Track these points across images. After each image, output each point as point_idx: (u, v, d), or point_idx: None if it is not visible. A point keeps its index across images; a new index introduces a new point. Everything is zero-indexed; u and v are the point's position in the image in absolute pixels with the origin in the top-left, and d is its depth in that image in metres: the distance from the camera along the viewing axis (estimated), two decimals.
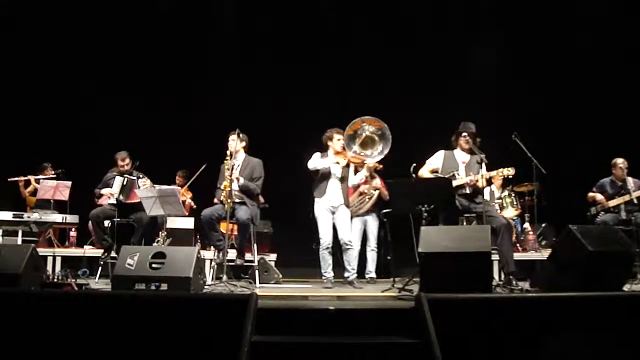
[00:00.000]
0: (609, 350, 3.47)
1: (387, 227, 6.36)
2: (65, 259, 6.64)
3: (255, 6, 8.53)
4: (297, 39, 8.43)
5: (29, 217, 6.79)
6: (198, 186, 7.16)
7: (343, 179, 5.69)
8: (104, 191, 6.38)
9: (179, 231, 6.95)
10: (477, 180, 5.21)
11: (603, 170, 6.74)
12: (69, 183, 7.36)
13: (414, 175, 5.27)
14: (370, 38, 8.48)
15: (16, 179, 7.68)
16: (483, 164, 5.18)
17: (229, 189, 5.39)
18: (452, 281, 3.90)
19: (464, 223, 5.44)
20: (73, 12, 8.25)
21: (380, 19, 8.46)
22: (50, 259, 6.49)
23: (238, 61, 8.58)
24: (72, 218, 7.12)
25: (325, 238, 5.60)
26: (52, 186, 7.31)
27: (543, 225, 7.74)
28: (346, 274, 5.67)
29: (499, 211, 6.87)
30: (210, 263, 5.95)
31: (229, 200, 5.38)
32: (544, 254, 6.20)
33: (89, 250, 6.79)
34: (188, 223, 7.05)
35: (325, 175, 5.67)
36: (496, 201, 7.13)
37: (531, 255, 6.86)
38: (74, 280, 4.88)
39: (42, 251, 5.79)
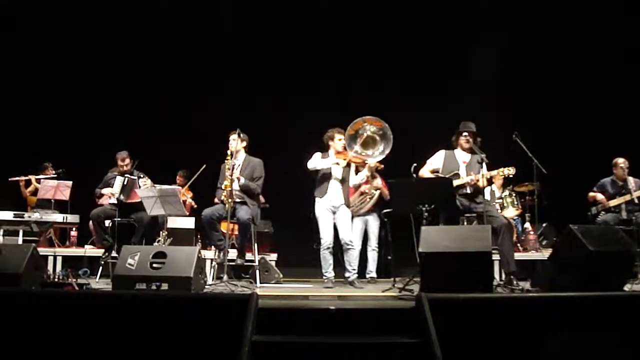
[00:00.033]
0: (609, 350, 3.46)
1: (387, 227, 6.36)
2: (66, 259, 6.65)
3: (256, 6, 8.52)
4: (297, 39, 8.43)
5: (29, 216, 6.79)
6: (199, 186, 7.16)
7: (344, 179, 5.69)
8: (104, 191, 6.39)
9: (180, 231, 6.96)
10: (477, 180, 5.21)
11: (604, 170, 6.74)
12: (70, 183, 7.37)
13: (414, 175, 5.27)
14: (371, 38, 8.48)
15: (17, 178, 7.69)
16: (484, 164, 5.18)
17: (230, 188, 5.40)
18: (452, 281, 3.90)
19: (465, 223, 5.43)
20: (73, 12, 8.25)
21: (381, 19, 8.45)
22: (51, 259, 6.50)
23: (238, 61, 8.58)
24: (72, 218, 7.12)
25: (326, 238, 5.60)
26: (52, 186, 7.31)
27: (544, 225, 7.73)
28: (347, 274, 5.67)
29: (499, 211, 6.87)
30: (211, 263, 5.95)
31: (229, 200, 5.38)
32: (545, 253, 6.19)
33: (89, 250, 6.79)
34: (189, 223, 7.06)
35: (326, 176, 5.67)
36: (497, 201, 7.14)
37: (532, 255, 6.86)
38: (74, 280, 4.89)
39: (42, 251, 5.80)
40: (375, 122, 5.51)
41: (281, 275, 6.14)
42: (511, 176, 5.29)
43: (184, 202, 6.61)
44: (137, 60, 8.35)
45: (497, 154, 5.53)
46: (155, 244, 6.20)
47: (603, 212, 6.55)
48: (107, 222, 6.19)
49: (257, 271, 5.72)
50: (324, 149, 5.78)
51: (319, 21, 8.53)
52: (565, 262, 4.21)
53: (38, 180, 7.60)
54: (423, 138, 6.46)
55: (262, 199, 6.12)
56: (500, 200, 7.19)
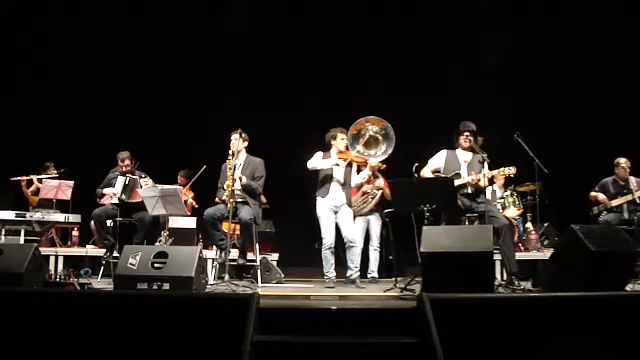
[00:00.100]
0: (610, 350, 3.45)
1: (389, 226, 6.36)
2: (67, 259, 6.68)
3: (256, 5, 8.52)
4: (297, 38, 8.43)
5: (31, 216, 6.80)
6: (199, 186, 7.17)
7: (346, 180, 5.69)
8: (106, 191, 6.39)
9: (181, 231, 6.97)
10: (478, 180, 5.20)
11: (605, 170, 6.72)
12: (72, 182, 7.38)
13: (415, 175, 5.27)
14: (371, 38, 8.47)
15: (19, 178, 7.70)
16: (485, 163, 5.17)
17: (232, 188, 5.40)
18: (454, 281, 3.89)
19: (466, 223, 5.43)
20: (73, 12, 8.27)
21: (381, 19, 8.44)
22: (52, 259, 6.52)
23: (238, 61, 8.58)
24: (74, 217, 7.13)
25: (328, 238, 5.60)
26: (54, 186, 7.33)
27: (545, 225, 7.71)
28: (349, 272, 5.67)
29: (501, 211, 6.86)
30: (213, 262, 5.96)
31: (231, 200, 5.39)
32: (546, 253, 6.17)
33: (91, 250, 6.81)
34: (190, 222, 7.06)
35: (328, 176, 5.67)
36: (498, 201, 7.12)
37: (533, 255, 6.84)
38: (76, 279, 4.91)
39: (44, 250, 5.81)
40: (378, 122, 5.51)
41: (282, 275, 6.15)
42: (512, 176, 5.28)
43: (185, 202, 6.62)
44: (137, 61, 8.36)
45: (497, 153, 5.53)
46: (157, 243, 6.21)
47: (605, 212, 6.54)
48: (109, 222, 6.20)
49: (259, 271, 5.73)
50: (326, 148, 5.78)
51: (319, 21, 8.52)
52: (567, 262, 4.20)
53: (40, 180, 7.61)
54: (426, 138, 6.46)
55: (263, 199, 6.11)
56: (502, 200, 7.16)
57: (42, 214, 6.90)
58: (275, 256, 6.79)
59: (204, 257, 4.82)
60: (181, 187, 6.50)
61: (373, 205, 6.30)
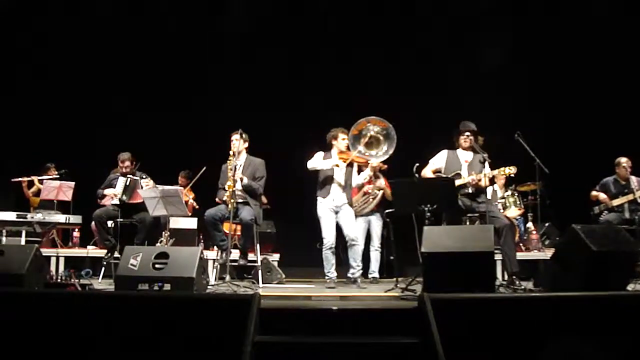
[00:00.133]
0: (611, 350, 3.45)
1: (390, 227, 6.36)
2: (68, 259, 6.68)
3: (257, 4, 8.52)
4: (297, 38, 8.43)
5: (32, 217, 6.79)
6: (200, 186, 7.17)
7: (346, 180, 5.69)
8: (107, 191, 6.39)
9: (182, 231, 6.97)
10: (479, 180, 5.20)
11: (606, 170, 6.72)
12: (72, 183, 7.38)
13: (416, 175, 5.27)
14: (371, 38, 8.47)
15: (19, 179, 7.70)
16: (486, 163, 5.17)
17: (233, 189, 5.40)
18: (455, 281, 3.89)
19: (467, 223, 5.43)
20: (73, 12, 8.27)
21: (381, 19, 8.44)
22: (53, 260, 6.53)
23: (238, 61, 8.58)
24: (75, 218, 7.12)
25: (329, 238, 5.60)
26: (55, 187, 7.33)
27: (546, 224, 7.71)
28: (352, 271, 5.68)
29: (502, 211, 6.85)
30: (213, 263, 5.96)
31: (232, 201, 5.39)
32: (548, 253, 6.16)
33: (92, 251, 6.82)
34: (191, 223, 7.06)
35: (329, 176, 5.67)
36: (499, 201, 7.11)
37: (534, 255, 6.84)
38: (77, 280, 4.90)
39: (45, 251, 5.77)
40: (379, 123, 5.52)
41: (283, 276, 6.15)
42: (512, 175, 5.28)
43: (186, 202, 6.63)
44: (137, 61, 8.37)
45: (499, 153, 5.53)
46: (158, 244, 6.21)
47: (606, 212, 6.53)
48: (110, 223, 6.20)
49: (260, 271, 5.73)
50: (326, 148, 5.78)
51: (319, 21, 8.53)
52: (568, 262, 4.19)
53: (41, 181, 7.63)
54: (428, 138, 6.45)
55: (264, 199, 6.11)
56: (503, 200, 7.16)
57: (43, 215, 6.90)
58: (276, 257, 6.79)
59: (205, 257, 4.82)
60: (182, 188, 6.50)
61: (374, 205, 6.30)
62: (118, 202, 6.23)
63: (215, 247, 5.92)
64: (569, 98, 8.11)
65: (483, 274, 4.04)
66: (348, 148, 5.62)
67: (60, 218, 7.00)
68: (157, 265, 4.26)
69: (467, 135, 5.42)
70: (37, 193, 7.65)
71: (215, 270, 5.81)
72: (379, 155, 5.56)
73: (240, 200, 5.59)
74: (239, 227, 5.88)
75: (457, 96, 7.99)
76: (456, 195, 5.14)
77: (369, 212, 6.33)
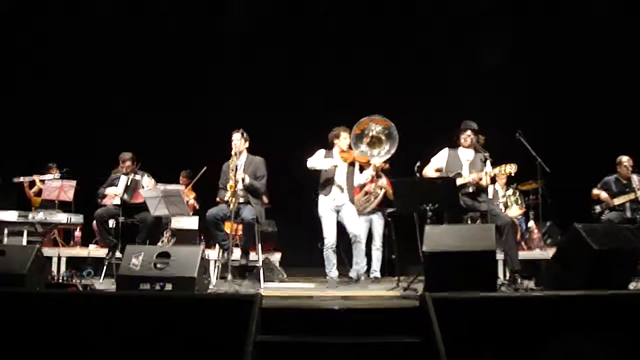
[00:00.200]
0: (613, 348, 3.45)
1: (391, 226, 6.37)
2: (69, 259, 6.68)
3: (258, 4, 8.52)
4: (298, 38, 8.44)
5: (33, 217, 6.80)
6: (201, 186, 7.17)
7: (348, 179, 5.70)
8: (108, 191, 6.39)
9: (184, 231, 6.97)
10: (480, 179, 5.20)
11: (608, 168, 6.72)
12: (74, 183, 7.38)
13: (418, 174, 5.27)
14: (371, 38, 8.48)
15: (21, 179, 7.70)
16: (487, 162, 5.16)
17: (234, 189, 5.40)
18: (456, 280, 3.89)
19: (469, 222, 5.43)
20: (73, 12, 8.28)
21: (381, 19, 8.45)
22: (55, 259, 6.52)
23: (238, 61, 8.59)
24: (76, 218, 7.12)
25: (330, 237, 5.60)
26: (56, 186, 7.32)
27: (548, 223, 7.70)
28: (355, 267, 5.70)
29: (503, 210, 6.85)
30: (215, 263, 5.95)
31: (233, 200, 5.39)
32: (549, 252, 6.18)
33: (93, 250, 6.82)
34: (192, 223, 7.06)
35: (331, 175, 5.67)
36: (500, 200, 7.11)
37: (536, 254, 6.84)
38: (78, 280, 4.91)
39: (47, 251, 5.81)
40: (382, 122, 5.52)
41: (285, 275, 6.16)
42: (513, 173, 5.28)
43: (187, 202, 6.63)
44: (137, 61, 8.38)
45: (500, 153, 5.52)
46: (159, 244, 6.22)
47: (607, 211, 6.53)
48: (111, 223, 6.19)
49: (261, 271, 5.72)
50: (328, 147, 5.78)
51: (319, 21, 8.53)
52: (570, 261, 4.19)
53: (42, 181, 7.62)
54: (430, 138, 6.43)
55: (265, 199, 6.11)
56: (504, 199, 7.16)
57: (44, 214, 6.90)
58: (277, 256, 6.79)
59: (207, 257, 4.82)
60: (183, 188, 6.50)
61: (376, 204, 6.30)
62: (119, 202, 6.23)
63: (216, 247, 5.91)
64: (569, 98, 8.11)
65: (484, 273, 4.04)
66: (350, 147, 5.62)
67: (62, 218, 7.00)
68: (158, 265, 4.26)
69: (468, 134, 5.41)
70: (39, 193, 7.65)
71: (216, 269, 5.80)
72: (381, 155, 5.55)
73: (241, 200, 5.58)
74: (240, 227, 5.87)
75: (457, 96, 7.99)
76: (457, 194, 5.13)
77: (371, 212, 6.33)
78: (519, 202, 7.22)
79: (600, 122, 7.80)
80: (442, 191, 4.92)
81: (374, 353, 3.39)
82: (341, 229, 5.72)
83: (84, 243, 7.29)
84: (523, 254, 6.23)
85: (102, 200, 6.37)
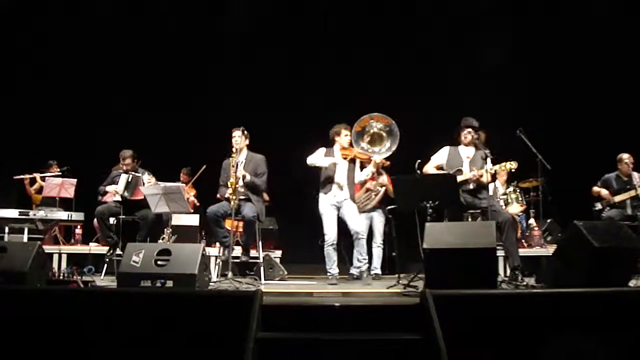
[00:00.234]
0: (613, 346, 3.45)
1: (392, 223, 6.38)
2: (70, 257, 6.68)
3: (256, 5, 8.53)
4: (297, 38, 8.44)
5: (34, 214, 6.81)
6: (201, 184, 7.18)
7: (349, 177, 5.70)
8: (109, 188, 6.38)
9: (184, 228, 6.97)
10: (480, 176, 5.20)
11: (608, 166, 6.73)
12: (74, 180, 7.40)
13: (418, 171, 5.27)
14: (371, 38, 8.48)
15: (22, 176, 7.71)
16: (488, 159, 5.16)
17: (235, 186, 5.41)
18: (457, 277, 3.90)
19: (469, 219, 5.43)
20: (73, 12, 8.28)
21: (381, 19, 8.45)
22: (55, 257, 6.53)
23: (238, 61, 8.59)
24: (77, 215, 7.14)
25: (330, 234, 5.61)
26: (57, 184, 7.35)
27: (548, 221, 7.69)
28: (358, 265, 5.71)
29: (504, 207, 6.86)
30: (216, 260, 5.96)
31: (234, 197, 5.39)
32: (550, 249, 6.19)
33: (94, 248, 6.83)
34: (193, 220, 7.07)
35: (331, 173, 5.68)
36: (501, 197, 7.11)
37: (537, 251, 6.82)
38: (79, 277, 4.91)
39: (47, 249, 5.81)
40: (382, 119, 5.52)
41: (285, 272, 6.16)
42: (514, 169, 5.29)
43: (187, 199, 6.63)
44: (137, 61, 8.38)
45: (500, 151, 5.53)
46: (160, 241, 6.21)
47: (608, 208, 6.53)
48: (112, 220, 6.19)
49: (262, 268, 5.73)
50: (328, 145, 5.79)
51: (319, 21, 8.54)
52: (570, 258, 4.19)
53: (43, 178, 7.63)
54: (431, 135, 6.44)
55: (266, 196, 6.11)
56: (505, 197, 7.16)
57: (45, 212, 6.92)
58: (278, 253, 6.79)
59: (207, 254, 4.82)
60: (184, 185, 6.50)
61: (376, 202, 6.31)
62: (120, 199, 6.23)
63: (217, 244, 5.93)
64: (570, 97, 8.11)
65: (485, 270, 4.04)
66: (351, 144, 5.63)
67: (63, 215, 7.02)
68: (159, 262, 4.27)
69: (469, 131, 5.42)
70: (40, 190, 7.66)
71: (217, 267, 5.81)
72: (381, 152, 5.56)
73: (242, 197, 5.59)
74: (241, 224, 5.87)
75: (457, 96, 7.99)
76: (458, 191, 5.13)
77: (372, 209, 6.34)
78: (520, 199, 7.21)
79: (601, 120, 7.80)
80: (443, 188, 4.91)
81: (375, 350, 3.38)
82: (342, 226, 5.73)
83: (85, 240, 7.29)
84: (524, 251, 6.24)
85: (103, 198, 6.37)
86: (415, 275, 4.82)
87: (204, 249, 4.43)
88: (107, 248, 6.22)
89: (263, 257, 5.87)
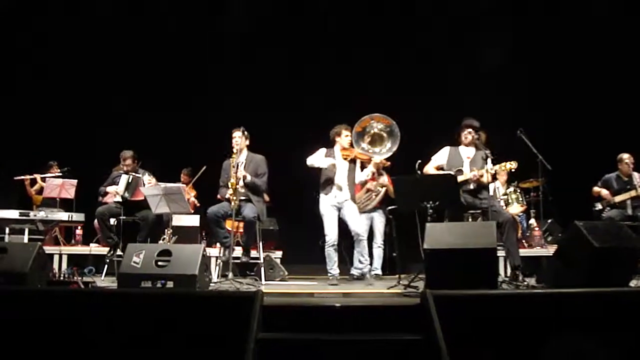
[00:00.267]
0: (613, 346, 3.45)
1: (392, 223, 6.38)
2: (71, 257, 6.68)
3: (256, 5, 8.53)
4: (297, 38, 8.44)
5: (35, 215, 6.81)
6: (202, 184, 7.17)
7: (349, 177, 5.70)
8: (109, 189, 6.38)
9: (185, 229, 6.98)
10: (481, 176, 5.20)
11: (609, 166, 6.73)
12: (75, 181, 7.40)
13: (418, 172, 5.27)
14: (371, 38, 8.48)
15: (22, 177, 7.71)
16: (488, 160, 5.16)
17: (236, 186, 5.41)
18: (457, 278, 3.89)
19: (469, 219, 5.43)
20: (73, 12, 8.28)
21: (381, 19, 8.45)
22: (56, 257, 6.53)
23: (238, 61, 8.59)
24: (78, 216, 7.14)
25: (331, 235, 5.61)
26: (58, 184, 7.35)
27: (549, 221, 7.69)
28: (360, 266, 5.71)
29: (504, 207, 6.85)
30: (216, 260, 5.95)
31: (234, 198, 5.39)
32: (550, 250, 6.19)
33: (94, 248, 6.82)
34: (194, 220, 7.07)
35: (331, 174, 5.68)
36: (501, 197, 7.12)
37: (537, 251, 6.82)
38: (80, 278, 4.91)
39: (48, 249, 5.82)
40: (383, 120, 5.53)
41: (286, 273, 6.16)
42: (514, 170, 5.29)
43: (187, 200, 6.63)
44: (137, 61, 8.38)
45: (501, 151, 5.53)
46: (160, 242, 6.21)
47: (608, 208, 6.53)
48: (112, 221, 6.18)
49: (262, 269, 5.73)
50: (329, 145, 5.79)
51: (319, 21, 8.54)
52: (571, 259, 4.19)
53: (43, 179, 7.64)
54: (432, 136, 6.44)
55: (266, 197, 6.11)
56: (505, 197, 7.16)
57: (45, 212, 6.92)
58: (278, 254, 6.79)
59: (208, 255, 4.81)
60: (184, 185, 6.50)
61: (377, 202, 6.32)
62: (120, 200, 6.23)
63: (217, 245, 5.93)
64: (570, 97, 8.12)
65: (485, 271, 4.04)
66: (351, 145, 5.63)
67: (63, 216, 7.02)
68: (159, 263, 4.27)
69: (469, 132, 5.42)
70: (40, 191, 7.66)
71: (217, 267, 5.81)
72: (382, 153, 5.56)
73: (242, 198, 5.59)
74: (241, 225, 5.87)
75: (457, 96, 7.99)
76: (458, 191, 5.13)
77: (372, 209, 6.35)
78: (520, 199, 7.21)
79: (601, 120, 7.80)
80: (443, 189, 4.91)
81: (375, 350, 3.38)
82: (342, 227, 5.73)
83: (85, 241, 7.29)
84: (524, 252, 6.23)
85: (104, 199, 6.37)
86: (416, 275, 4.82)
87: (204, 250, 4.42)
88: (107, 249, 6.21)
89: (263, 258, 5.87)
